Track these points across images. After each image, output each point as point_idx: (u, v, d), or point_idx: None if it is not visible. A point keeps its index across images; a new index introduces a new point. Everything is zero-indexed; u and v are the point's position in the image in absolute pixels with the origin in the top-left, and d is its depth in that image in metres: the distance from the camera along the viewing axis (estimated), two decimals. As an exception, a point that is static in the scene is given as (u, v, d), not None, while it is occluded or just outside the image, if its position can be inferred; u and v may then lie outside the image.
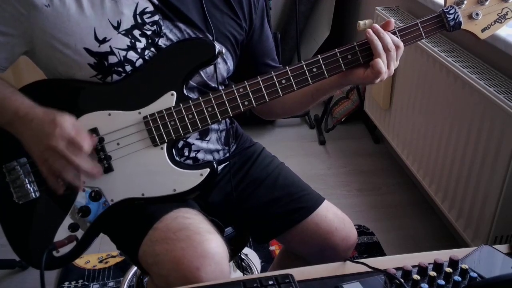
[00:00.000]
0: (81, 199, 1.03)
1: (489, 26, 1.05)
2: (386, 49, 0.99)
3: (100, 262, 1.96)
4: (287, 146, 2.80)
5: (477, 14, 1.03)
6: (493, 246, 0.88)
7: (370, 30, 1.00)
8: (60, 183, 0.98)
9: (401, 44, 1.01)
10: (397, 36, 1.02)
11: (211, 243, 0.95)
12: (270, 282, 0.79)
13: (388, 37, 1.00)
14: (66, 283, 1.86)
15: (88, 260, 1.97)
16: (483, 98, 1.58)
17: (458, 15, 1.03)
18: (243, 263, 1.71)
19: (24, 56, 1.06)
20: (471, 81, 1.64)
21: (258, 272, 1.82)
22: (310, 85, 1.04)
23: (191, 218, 1.01)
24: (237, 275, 1.64)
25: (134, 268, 1.72)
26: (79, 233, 1.03)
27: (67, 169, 0.95)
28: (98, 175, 0.99)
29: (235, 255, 1.33)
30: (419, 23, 1.03)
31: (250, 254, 1.91)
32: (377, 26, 1.01)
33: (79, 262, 1.95)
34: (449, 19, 1.03)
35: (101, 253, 1.98)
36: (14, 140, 0.98)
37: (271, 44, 1.24)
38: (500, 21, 1.05)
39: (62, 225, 1.03)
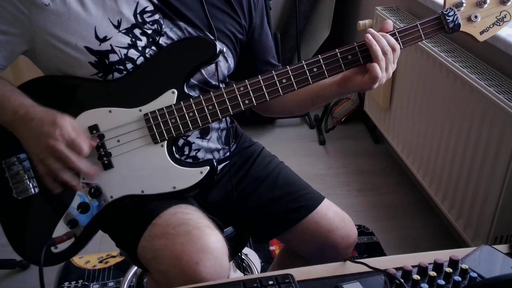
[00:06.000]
0: (81, 195, 1.03)
1: (487, 28, 1.06)
2: (383, 52, 0.99)
3: (100, 262, 1.96)
4: (287, 146, 2.80)
5: (475, 17, 1.04)
6: (493, 246, 0.88)
7: (369, 35, 1.00)
8: (56, 183, 0.98)
9: (397, 46, 1.01)
10: (396, 38, 1.02)
11: (210, 238, 0.95)
12: (270, 282, 0.79)
13: (384, 40, 1.00)
14: (66, 283, 1.85)
15: (88, 260, 1.96)
16: (483, 98, 1.58)
17: (457, 17, 1.04)
18: (243, 263, 1.71)
19: (23, 55, 1.05)
20: (471, 81, 1.64)
21: (258, 272, 1.82)
22: (311, 91, 1.05)
23: (191, 213, 1.02)
24: (237, 275, 1.64)
25: (134, 268, 1.72)
26: (78, 230, 1.03)
27: (64, 170, 0.95)
28: (96, 176, 1.00)
29: (235, 255, 1.32)
30: (418, 25, 1.04)
31: (250, 254, 1.91)
32: (372, 30, 1.01)
33: (79, 262, 1.95)
34: (448, 21, 1.04)
35: (101, 253, 1.98)
36: (14, 136, 0.99)
37: (271, 43, 1.25)
38: (498, 23, 1.06)
39: (61, 221, 1.03)
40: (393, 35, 1.03)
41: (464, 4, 1.03)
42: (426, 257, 0.82)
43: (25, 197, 1.03)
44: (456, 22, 1.04)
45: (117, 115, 1.02)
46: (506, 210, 1.55)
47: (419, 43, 1.93)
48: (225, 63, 1.13)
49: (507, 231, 1.59)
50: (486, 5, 1.04)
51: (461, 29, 1.05)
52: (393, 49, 1.01)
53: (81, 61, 1.00)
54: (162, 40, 1.04)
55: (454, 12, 1.04)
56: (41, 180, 1.00)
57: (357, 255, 2.01)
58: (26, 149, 0.98)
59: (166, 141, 1.03)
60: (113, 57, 1.01)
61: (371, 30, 1.01)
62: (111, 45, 1.00)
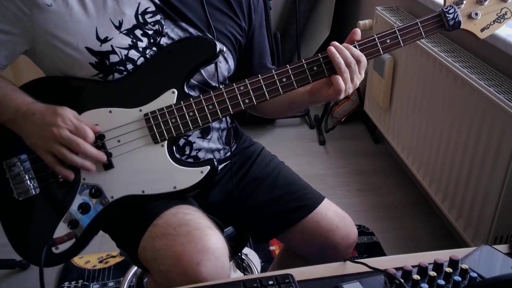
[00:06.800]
0: (81, 196, 1.03)
1: (488, 26, 1.06)
2: (347, 65, 0.99)
3: (100, 262, 1.96)
4: (287, 146, 2.80)
5: (476, 14, 1.04)
6: (493, 246, 0.88)
7: (331, 47, 1.00)
8: (68, 169, 0.99)
9: (362, 58, 1.01)
10: (396, 36, 1.02)
11: (211, 239, 0.95)
12: (270, 282, 0.79)
13: (347, 52, 1.00)
14: (66, 283, 1.86)
15: (88, 260, 1.97)
16: (483, 98, 1.58)
17: (457, 15, 1.03)
18: (243, 263, 1.71)
19: (24, 55, 1.06)
20: (471, 81, 1.64)
21: (258, 272, 1.82)
22: (287, 97, 1.06)
23: (191, 214, 1.02)
24: (237, 275, 1.64)
25: (134, 268, 1.72)
26: (79, 230, 1.03)
27: (73, 154, 0.96)
28: (104, 160, 1.00)
29: (235, 255, 1.32)
30: (419, 23, 1.03)
31: (250, 254, 1.91)
32: (336, 43, 1.01)
33: (79, 262, 1.95)
34: (448, 18, 1.03)
35: (101, 253, 1.98)
36: (15, 136, 0.99)
37: (267, 46, 1.26)
38: (499, 21, 1.06)
39: (61, 222, 1.03)
40: (393, 33, 1.02)
41: (464, 2, 1.03)
42: (426, 257, 0.82)
43: (26, 198, 1.03)
44: (457, 20, 1.04)
45: (118, 115, 1.02)
46: (506, 210, 1.55)
47: (419, 42, 1.93)
48: (225, 64, 1.13)
49: (507, 231, 1.59)
50: (486, 2, 1.04)
51: (461, 27, 1.05)
52: (358, 61, 1.00)
53: (82, 61, 1.00)
54: (163, 41, 1.04)
55: (455, 9, 1.04)
56: (45, 178, 1.01)
57: (357, 255, 2.01)
58: (29, 144, 0.99)
59: (166, 141, 1.03)
60: (114, 58, 1.01)
61: (335, 43, 1.01)
62: (111, 45, 1.00)
